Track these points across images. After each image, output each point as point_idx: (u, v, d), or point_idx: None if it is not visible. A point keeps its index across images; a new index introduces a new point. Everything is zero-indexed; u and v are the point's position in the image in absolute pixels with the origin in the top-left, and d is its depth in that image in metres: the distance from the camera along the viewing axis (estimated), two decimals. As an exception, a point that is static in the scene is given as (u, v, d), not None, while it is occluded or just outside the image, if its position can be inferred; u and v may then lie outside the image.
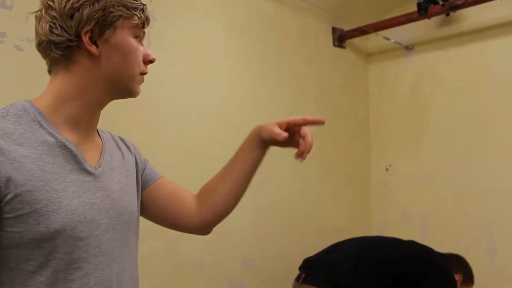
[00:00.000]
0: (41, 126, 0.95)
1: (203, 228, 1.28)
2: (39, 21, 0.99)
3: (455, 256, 2.52)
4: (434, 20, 3.09)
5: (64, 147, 0.96)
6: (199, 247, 2.46)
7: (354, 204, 3.33)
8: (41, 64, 1.06)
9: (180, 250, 2.38)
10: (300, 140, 1.18)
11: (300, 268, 2.41)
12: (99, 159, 1.04)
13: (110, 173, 1.05)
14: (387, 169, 3.35)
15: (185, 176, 2.44)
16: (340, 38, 3.30)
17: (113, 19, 0.99)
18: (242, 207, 2.72)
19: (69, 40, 0.97)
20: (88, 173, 0.99)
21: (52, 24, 0.96)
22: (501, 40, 2.85)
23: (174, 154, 2.40)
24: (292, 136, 1.20)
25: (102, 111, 1.07)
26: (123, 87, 1.04)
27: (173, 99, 2.41)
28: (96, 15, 0.97)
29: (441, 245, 2.50)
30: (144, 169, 1.21)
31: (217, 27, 2.62)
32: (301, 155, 1.17)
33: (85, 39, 0.97)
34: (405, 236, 2.51)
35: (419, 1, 2.85)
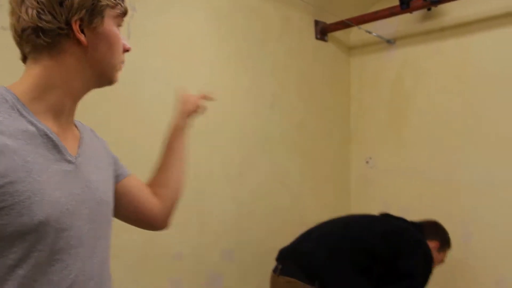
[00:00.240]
0: (21, 114, 0.91)
1: (164, 222, 1.33)
2: (20, 6, 0.95)
3: (430, 223, 2.56)
4: (416, 14, 3.10)
5: (46, 136, 0.93)
6: (177, 239, 2.45)
7: (334, 196, 3.34)
8: (15, 52, 1.03)
9: (157, 242, 2.37)
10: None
11: (277, 259, 2.42)
12: (78, 149, 1.03)
13: (89, 163, 1.04)
14: (367, 162, 3.36)
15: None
16: (323, 31, 3.29)
17: (101, 8, 0.99)
18: (222, 199, 2.74)
19: (59, 28, 0.95)
20: (70, 163, 0.97)
21: (40, 10, 0.94)
22: (482, 35, 2.87)
23: (155, 145, 2.38)
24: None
25: (82, 101, 1.06)
26: (106, 75, 1.05)
27: (153, 89, 2.39)
28: (87, 4, 0.96)
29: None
30: (115, 163, 1.21)
31: (199, 18, 2.60)
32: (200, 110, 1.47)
33: (76, 27, 0.96)
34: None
35: (401, -5, 2.86)
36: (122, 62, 1.08)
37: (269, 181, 2.90)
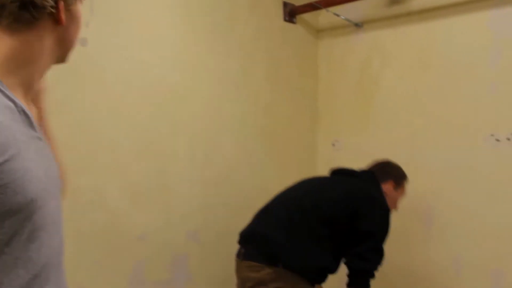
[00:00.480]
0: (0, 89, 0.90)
1: None
2: None
3: (382, 165, 2.61)
4: (384, -2, 3.12)
5: (23, 112, 0.92)
6: (142, 220, 2.44)
7: (300, 178, 3.36)
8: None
9: (122, 223, 2.35)
10: None
11: (239, 242, 2.42)
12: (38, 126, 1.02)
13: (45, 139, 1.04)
14: (333, 145, 3.39)
15: (129, 147, 2.41)
16: (291, 13, 3.28)
17: None
18: (186, 180, 2.72)
19: (51, 6, 0.95)
20: (40, 140, 0.96)
21: None
22: (448, 21, 2.89)
23: (116, 125, 2.36)
24: None
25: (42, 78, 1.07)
26: (67, 54, 1.06)
27: (117, 68, 2.35)
28: None
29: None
30: None
31: (165, -4, 2.56)
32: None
33: (61, 6, 0.97)
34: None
35: (369, -22, 2.87)
36: None
37: (234, 162, 2.90)
